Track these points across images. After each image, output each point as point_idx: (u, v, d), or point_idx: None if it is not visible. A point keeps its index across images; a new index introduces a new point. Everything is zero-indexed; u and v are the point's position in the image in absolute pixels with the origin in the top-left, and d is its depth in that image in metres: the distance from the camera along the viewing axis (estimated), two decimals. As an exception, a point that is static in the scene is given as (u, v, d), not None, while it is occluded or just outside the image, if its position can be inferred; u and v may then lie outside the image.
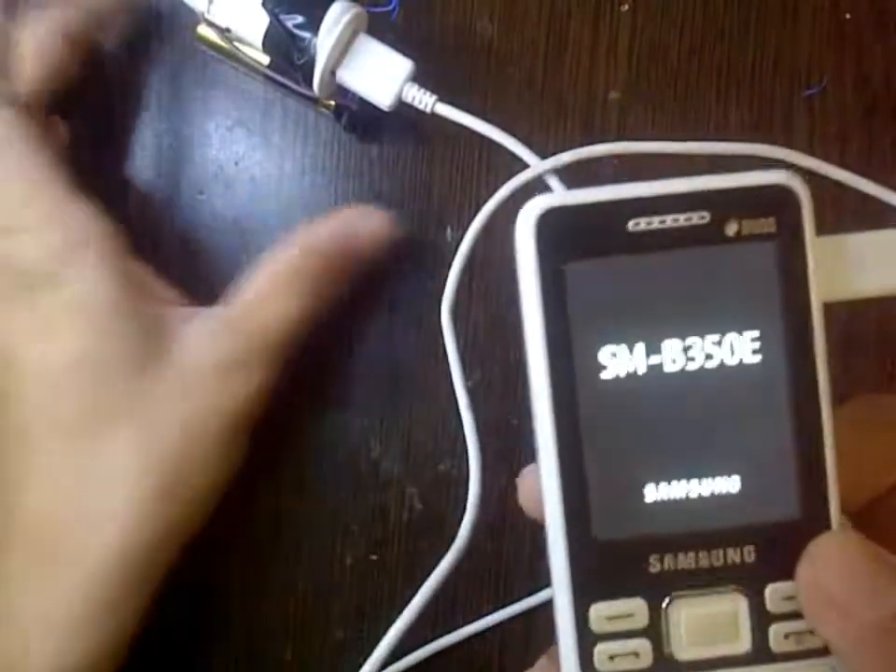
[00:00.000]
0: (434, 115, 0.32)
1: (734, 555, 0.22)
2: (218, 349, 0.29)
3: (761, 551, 0.22)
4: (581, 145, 0.35)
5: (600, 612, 0.22)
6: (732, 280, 0.21)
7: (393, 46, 0.32)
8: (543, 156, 0.33)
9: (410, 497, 0.35)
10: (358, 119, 0.34)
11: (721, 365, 0.21)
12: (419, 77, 0.32)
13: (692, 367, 0.21)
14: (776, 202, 0.21)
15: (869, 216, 0.34)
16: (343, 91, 0.33)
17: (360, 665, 0.32)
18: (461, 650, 0.35)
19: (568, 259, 0.21)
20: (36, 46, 0.30)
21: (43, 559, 0.28)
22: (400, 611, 0.33)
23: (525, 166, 0.33)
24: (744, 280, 0.21)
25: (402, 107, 0.32)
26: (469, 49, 0.35)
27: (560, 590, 0.22)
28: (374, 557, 0.35)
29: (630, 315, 0.22)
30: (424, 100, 0.32)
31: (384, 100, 0.31)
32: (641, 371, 0.21)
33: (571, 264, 0.21)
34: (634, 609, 0.22)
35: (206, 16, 0.32)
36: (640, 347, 0.21)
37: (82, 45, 0.33)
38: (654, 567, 0.22)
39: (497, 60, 0.35)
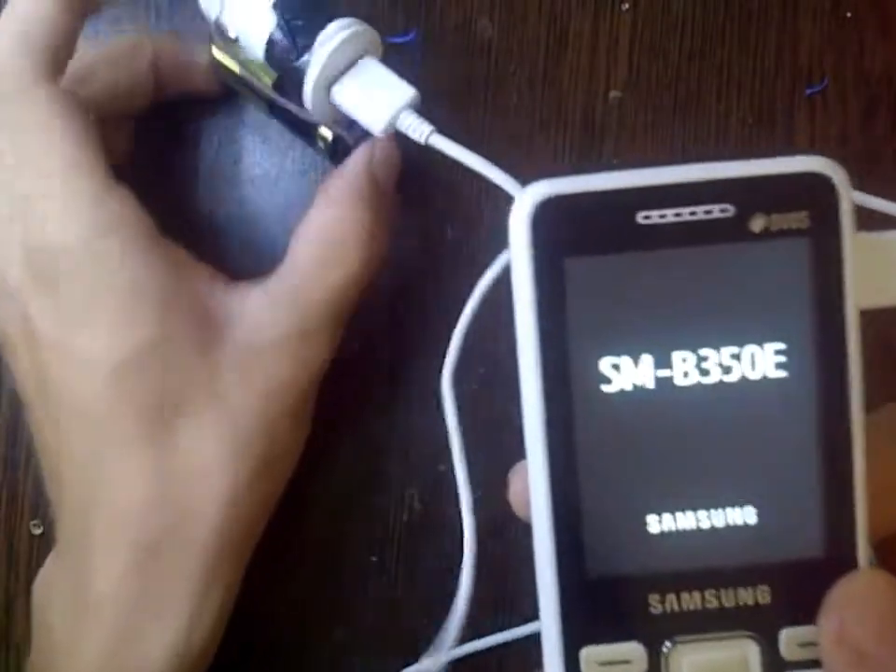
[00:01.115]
0: (428, 147, 0.28)
1: (746, 596, 0.19)
2: (281, 322, 0.28)
3: (776, 591, 0.19)
4: (582, 144, 0.35)
5: (592, 656, 0.19)
6: (755, 283, 0.18)
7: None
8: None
9: (410, 497, 0.34)
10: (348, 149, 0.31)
11: (741, 381, 0.18)
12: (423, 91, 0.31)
13: (707, 382, 0.18)
14: (809, 192, 0.18)
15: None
16: (344, 126, 0.31)
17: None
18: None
19: (568, 254, 0.18)
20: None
21: (147, 554, 0.27)
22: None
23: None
24: (770, 283, 0.18)
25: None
26: (469, 49, 0.34)
27: (548, 628, 0.19)
28: (374, 558, 0.34)
29: (636, 320, 0.19)
30: (420, 129, 0.28)
31: (375, 125, 0.28)
32: (648, 384, 0.18)
33: (571, 260, 0.18)
34: (630, 654, 0.19)
35: (219, 19, 0.29)
36: (647, 359, 0.18)
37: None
38: (655, 608, 0.19)
39: (497, 60, 0.34)
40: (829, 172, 0.18)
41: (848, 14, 0.35)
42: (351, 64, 0.29)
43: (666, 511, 0.19)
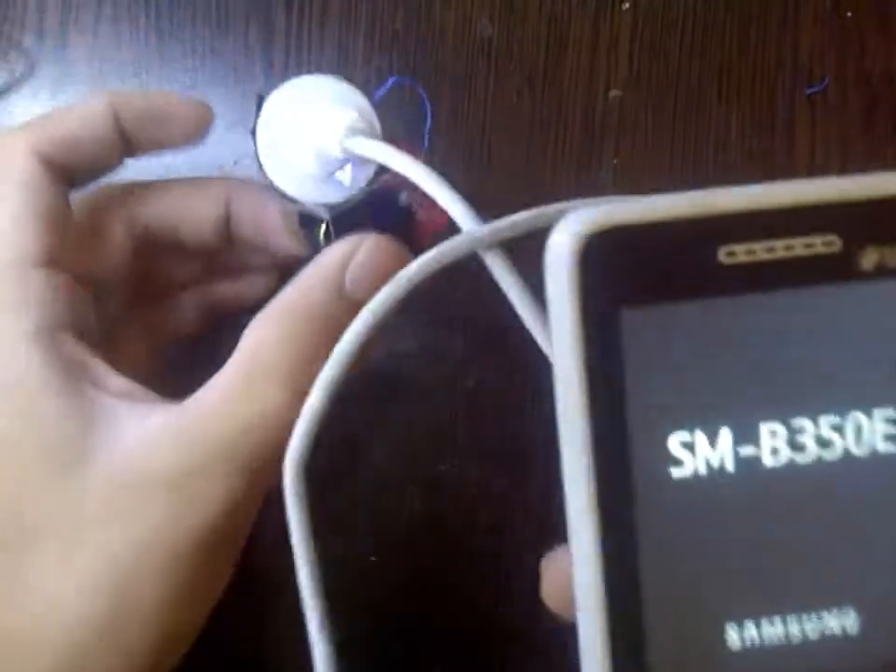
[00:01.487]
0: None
1: None
2: (165, 457, 0.22)
3: None
4: (582, 143, 0.35)
5: None
6: (864, 335, 0.15)
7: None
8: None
9: (410, 496, 0.34)
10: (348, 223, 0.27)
11: (844, 457, 0.15)
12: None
13: (801, 460, 0.15)
14: None
15: None
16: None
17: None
18: (461, 649, 0.34)
19: (626, 303, 0.15)
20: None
21: None
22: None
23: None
24: (882, 336, 0.15)
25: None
26: (469, 49, 0.34)
27: None
28: (374, 558, 0.33)
29: (713, 385, 0.15)
30: (335, 137, 0.24)
31: (311, 171, 0.25)
32: (728, 465, 0.15)
33: (630, 310, 0.15)
34: None
35: None
36: (727, 433, 0.15)
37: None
38: None
39: (497, 60, 0.34)
40: None
41: (849, 14, 0.35)
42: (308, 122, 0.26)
43: (749, 618, 0.16)
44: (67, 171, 0.25)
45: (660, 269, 0.15)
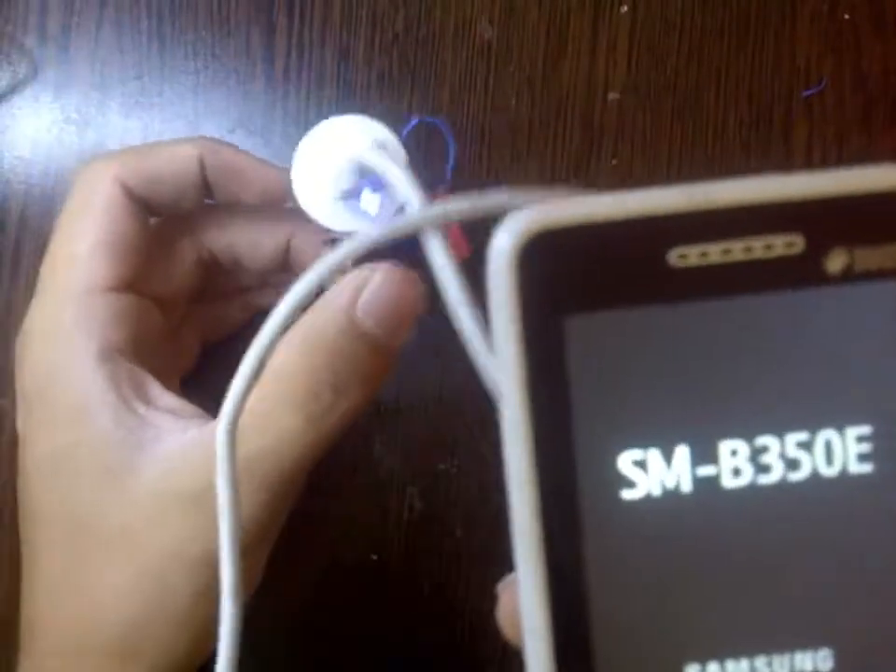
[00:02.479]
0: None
1: None
2: (198, 474, 0.24)
3: None
4: (581, 144, 0.35)
5: None
6: (833, 345, 0.13)
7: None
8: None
9: (410, 496, 0.34)
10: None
11: (813, 478, 0.14)
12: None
13: (765, 482, 0.14)
14: None
15: None
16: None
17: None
18: (463, 650, 0.35)
19: (571, 311, 0.14)
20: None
21: (59, 662, 0.25)
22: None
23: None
24: (852, 345, 0.13)
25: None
26: (468, 51, 0.34)
27: None
28: (374, 557, 0.34)
29: (667, 400, 0.14)
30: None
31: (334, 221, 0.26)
32: (685, 488, 0.14)
33: (575, 319, 0.14)
34: None
35: None
36: (683, 451, 0.14)
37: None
38: None
39: (496, 60, 0.34)
40: None
41: (847, 16, 0.35)
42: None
43: (711, 658, 0.14)
44: (148, 203, 0.27)
45: (607, 273, 0.14)
